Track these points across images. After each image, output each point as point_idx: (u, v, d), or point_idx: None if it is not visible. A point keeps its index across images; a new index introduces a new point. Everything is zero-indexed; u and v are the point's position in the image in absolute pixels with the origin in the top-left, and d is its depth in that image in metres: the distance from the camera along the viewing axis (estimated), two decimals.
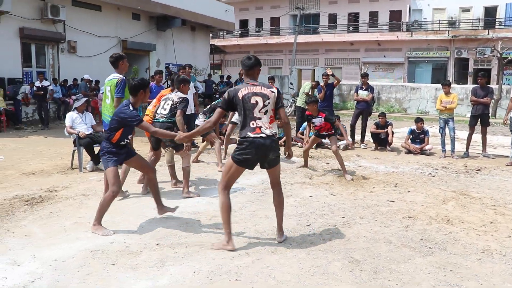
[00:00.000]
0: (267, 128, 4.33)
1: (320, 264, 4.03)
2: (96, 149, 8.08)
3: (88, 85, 17.08)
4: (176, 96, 6.33)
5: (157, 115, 6.31)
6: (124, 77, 6.36)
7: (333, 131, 8.08)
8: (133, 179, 7.02)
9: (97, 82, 18.14)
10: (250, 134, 4.28)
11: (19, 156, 9.43)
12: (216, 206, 5.75)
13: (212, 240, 4.60)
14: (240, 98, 4.35)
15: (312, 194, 6.48)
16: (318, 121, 8.03)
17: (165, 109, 6.25)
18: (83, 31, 18.33)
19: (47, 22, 16.72)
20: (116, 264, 3.99)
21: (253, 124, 4.31)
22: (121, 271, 3.85)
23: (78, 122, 8.19)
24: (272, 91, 4.43)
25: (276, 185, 4.59)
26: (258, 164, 4.46)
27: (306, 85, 12.04)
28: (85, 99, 8.57)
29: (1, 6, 14.54)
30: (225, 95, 4.45)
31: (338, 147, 8.44)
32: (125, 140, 4.99)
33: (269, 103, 4.36)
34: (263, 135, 4.28)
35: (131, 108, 4.84)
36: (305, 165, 8.41)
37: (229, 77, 25.18)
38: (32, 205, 5.80)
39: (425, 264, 4.05)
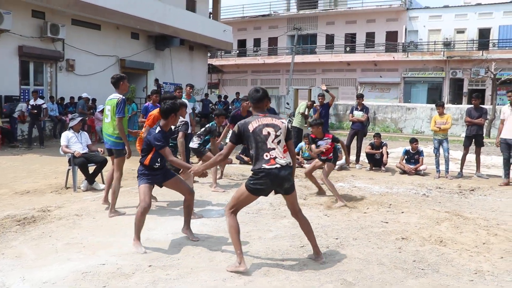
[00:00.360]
0: (281, 158, 4.33)
1: (313, 286, 4.02)
2: (91, 168, 8.09)
3: (86, 104, 17.12)
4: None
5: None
6: (124, 97, 6.43)
7: (331, 157, 7.72)
8: (131, 200, 7.01)
9: (94, 100, 18.19)
10: (266, 166, 4.26)
11: (13, 175, 9.41)
12: (210, 228, 5.78)
13: (205, 261, 4.58)
14: (251, 131, 4.33)
15: (306, 215, 6.45)
16: (324, 143, 7.71)
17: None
18: (82, 50, 18.47)
19: (46, 41, 16.86)
20: (107, 286, 3.96)
21: (266, 156, 4.30)
22: None
23: (74, 141, 8.21)
24: (283, 122, 4.46)
25: (296, 212, 4.63)
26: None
27: (302, 105, 12.14)
28: (80, 118, 8.61)
29: (1, 25, 14.70)
30: (235, 128, 4.45)
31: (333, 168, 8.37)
32: (157, 163, 5.06)
33: (281, 133, 4.37)
34: (278, 165, 4.28)
35: (159, 130, 4.96)
36: (320, 191, 8.00)
37: (226, 97, 25.27)
38: (24, 225, 5.77)
39: (417, 286, 4.05)
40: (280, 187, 4.40)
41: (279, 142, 4.36)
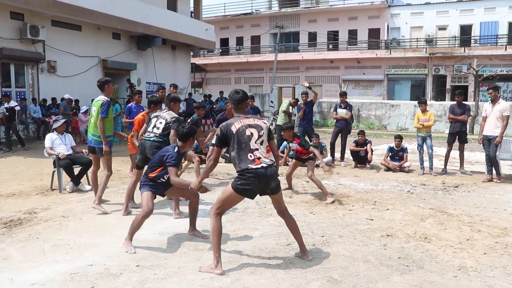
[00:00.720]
0: (266, 157, 4.37)
1: (299, 284, 4.07)
2: (76, 170, 8.05)
3: (69, 105, 17.01)
4: (169, 115, 6.30)
5: (148, 133, 6.26)
6: (108, 99, 6.65)
7: (312, 155, 7.88)
8: (118, 200, 6.98)
9: (77, 101, 18.07)
10: (252, 166, 4.28)
11: None
12: (196, 227, 5.77)
13: (192, 261, 4.61)
14: (234, 132, 4.35)
15: (292, 213, 6.49)
16: (294, 146, 7.92)
17: (158, 128, 6.22)
18: (63, 51, 18.29)
19: (27, 42, 16.67)
20: (95, 287, 3.98)
21: (251, 156, 4.31)
22: None
23: (58, 143, 8.16)
24: (264, 123, 4.51)
25: (283, 211, 4.67)
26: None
27: (284, 103, 12.22)
28: (64, 120, 8.56)
29: None
30: (218, 131, 4.47)
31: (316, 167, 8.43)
32: (162, 179, 5.17)
33: (263, 133, 4.41)
34: (264, 165, 4.31)
35: (176, 150, 5.08)
36: (289, 187, 8.33)
37: (209, 96, 25.21)
38: (11, 227, 5.74)
39: (402, 283, 4.12)
40: (267, 187, 4.43)
41: (262, 143, 4.39)
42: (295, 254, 4.80)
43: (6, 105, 14.14)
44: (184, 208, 6.79)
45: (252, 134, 4.36)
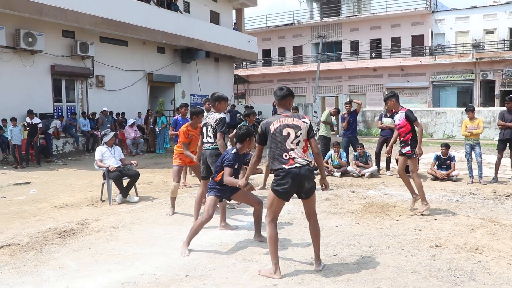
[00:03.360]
0: (300, 157, 4.44)
1: None
2: (125, 182, 8.29)
3: (114, 117, 17.61)
4: (212, 119, 6.34)
5: (205, 144, 6.38)
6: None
7: (410, 151, 7.39)
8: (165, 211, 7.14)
9: (123, 114, 18.64)
10: (285, 167, 4.39)
11: (51, 189, 9.71)
12: (242, 238, 5.85)
13: (240, 271, 4.66)
14: (272, 131, 4.49)
15: (338, 224, 6.50)
16: (398, 117, 7.46)
17: (210, 137, 6.32)
18: (110, 66, 18.93)
19: (77, 58, 17.36)
20: None
21: (285, 156, 4.42)
22: None
23: (108, 155, 8.42)
24: (305, 122, 4.56)
25: (312, 216, 4.70)
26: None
27: (324, 113, 12.18)
28: (113, 133, 8.77)
29: (34, 46, 15.26)
30: (259, 129, 4.63)
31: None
32: None
33: (301, 133, 4.48)
34: (297, 164, 4.39)
35: (234, 152, 5.37)
36: (417, 194, 7.46)
37: (251, 107, 25.39)
38: (65, 237, 5.98)
39: None
40: (301, 187, 4.46)
41: (298, 143, 4.47)
42: (310, 261, 4.85)
43: (28, 120, 14.10)
44: (229, 221, 6.88)
45: (289, 134, 4.45)
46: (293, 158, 4.41)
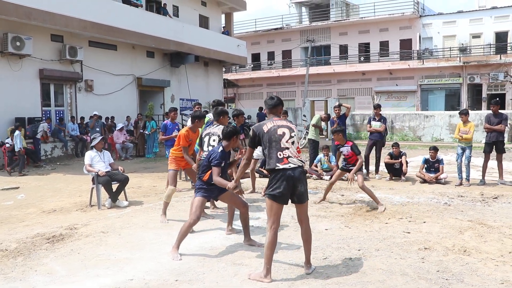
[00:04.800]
0: (294, 157, 4.50)
1: None
2: (114, 186, 8.25)
3: (103, 122, 17.52)
4: (219, 130, 6.32)
5: (205, 152, 6.29)
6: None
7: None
8: (155, 216, 7.11)
9: (113, 118, 18.56)
10: (279, 165, 4.45)
11: (40, 194, 9.64)
12: (232, 242, 5.86)
13: (230, 275, 4.66)
14: (266, 131, 4.57)
15: (328, 227, 6.52)
16: (346, 149, 8.10)
17: (212, 146, 6.28)
18: (99, 70, 18.84)
19: (65, 63, 17.25)
20: None
21: (280, 154, 4.48)
22: None
23: (97, 160, 8.38)
24: (293, 125, 4.71)
25: (304, 220, 4.71)
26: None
27: (315, 118, 12.23)
28: (101, 137, 8.72)
29: (23, 50, 15.14)
30: (251, 132, 4.70)
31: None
32: None
33: (295, 135, 4.58)
34: (291, 165, 4.45)
35: (221, 150, 5.32)
36: (324, 198, 8.38)
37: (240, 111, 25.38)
38: (53, 242, 5.94)
39: None
40: (295, 189, 4.51)
41: (293, 143, 4.55)
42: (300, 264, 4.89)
43: (9, 141, 13.58)
44: (221, 223, 6.88)
45: (284, 133, 4.54)
46: (288, 157, 4.47)
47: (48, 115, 17.03)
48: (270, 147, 4.52)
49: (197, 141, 7.30)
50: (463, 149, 9.98)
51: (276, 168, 4.45)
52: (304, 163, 4.62)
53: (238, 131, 5.49)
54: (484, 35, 31.46)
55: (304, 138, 20.81)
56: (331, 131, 8.38)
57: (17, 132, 13.23)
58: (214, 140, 6.33)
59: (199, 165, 6.25)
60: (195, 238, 5.97)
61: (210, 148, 6.27)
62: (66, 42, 17.14)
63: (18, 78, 15.67)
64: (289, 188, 4.46)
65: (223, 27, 27.54)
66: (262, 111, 24.42)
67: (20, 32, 15.21)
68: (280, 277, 4.57)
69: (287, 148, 4.49)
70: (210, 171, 5.32)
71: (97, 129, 16.38)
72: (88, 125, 17.24)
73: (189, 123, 7.52)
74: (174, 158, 7.31)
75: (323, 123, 12.37)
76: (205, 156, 6.20)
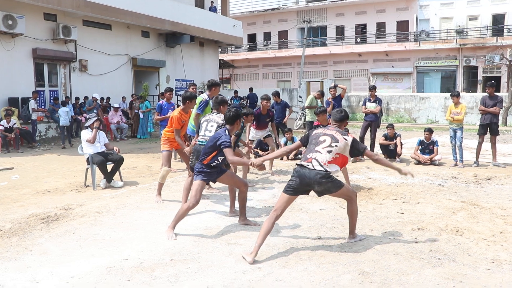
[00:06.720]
0: (321, 163, 4.60)
1: (330, 276, 4.11)
2: (109, 167, 8.25)
3: (99, 102, 17.43)
4: (219, 118, 6.30)
5: (201, 137, 6.26)
6: (207, 99, 7.62)
7: None
8: (150, 196, 7.12)
9: (108, 99, 18.46)
10: (303, 163, 4.65)
11: (34, 175, 9.62)
12: (227, 222, 5.89)
13: (224, 255, 4.69)
14: (313, 134, 4.93)
15: (322, 208, 6.56)
16: None
17: (210, 131, 6.22)
18: (94, 50, 18.66)
19: (59, 42, 17.06)
20: (131, 280, 4.09)
21: (310, 155, 4.68)
22: (136, 287, 3.96)
23: None
24: (345, 139, 4.74)
25: (346, 200, 4.95)
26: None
27: (309, 98, 12.21)
28: (95, 118, 8.62)
29: (15, 29, 14.92)
30: (307, 132, 5.03)
31: None
32: (216, 161, 5.37)
33: (336, 146, 4.67)
34: (310, 166, 4.59)
35: (227, 133, 5.32)
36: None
37: (236, 92, 25.32)
38: (48, 223, 5.94)
39: (434, 275, 4.10)
40: (311, 188, 4.70)
41: (329, 152, 4.65)
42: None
43: (5, 124, 13.67)
44: (220, 207, 6.89)
45: (324, 140, 4.72)
46: (313, 159, 4.63)
47: (42, 96, 16.85)
48: (308, 148, 4.82)
49: (191, 120, 7.52)
50: (455, 131, 10.04)
51: (298, 163, 4.72)
52: (328, 172, 4.58)
53: (240, 115, 5.50)
54: (481, 17, 31.27)
55: (300, 119, 20.85)
56: (314, 112, 8.36)
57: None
58: (212, 126, 6.29)
59: (194, 150, 6.26)
60: (190, 218, 5.98)
61: (207, 133, 6.23)
62: (60, 21, 16.92)
63: (11, 57, 15.50)
64: (301, 185, 4.63)
65: (211, 2, 26.92)
66: (253, 92, 24.45)
67: (12, 10, 14.98)
68: (274, 257, 4.60)
69: (318, 152, 4.65)
70: (213, 154, 5.28)
71: (95, 111, 16.29)
72: (84, 105, 17.15)
73: None
74: (167, 139, 7.26)
75: (318, 101, 12.32)
76: (201, 140, 6.21)
